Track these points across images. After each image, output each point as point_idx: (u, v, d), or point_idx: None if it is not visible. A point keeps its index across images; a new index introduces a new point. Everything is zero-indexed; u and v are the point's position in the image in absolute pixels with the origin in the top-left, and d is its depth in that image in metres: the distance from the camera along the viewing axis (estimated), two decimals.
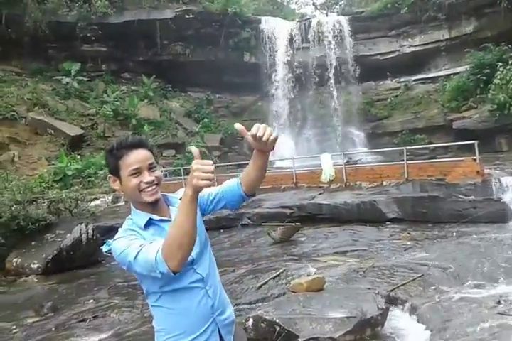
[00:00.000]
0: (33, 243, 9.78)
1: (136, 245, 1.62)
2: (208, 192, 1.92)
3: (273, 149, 1.72)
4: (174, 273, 1.55)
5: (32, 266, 9.26)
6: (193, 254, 1.72)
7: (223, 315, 1.85)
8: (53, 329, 5.84)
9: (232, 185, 1.93)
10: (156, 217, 1.75)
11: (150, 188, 1.71)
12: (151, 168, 1.73)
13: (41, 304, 6.85)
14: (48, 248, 9.54)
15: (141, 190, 1.71)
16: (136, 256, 1.60)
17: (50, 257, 9.31)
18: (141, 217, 1.75)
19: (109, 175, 1.77)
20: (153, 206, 1.76)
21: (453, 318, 4.55)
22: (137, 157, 1.70)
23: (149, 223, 1.74)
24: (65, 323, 5.99)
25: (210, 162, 1.51)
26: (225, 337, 1.83)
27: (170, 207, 1.84)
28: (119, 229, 1.75)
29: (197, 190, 1.50)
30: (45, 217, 9.95)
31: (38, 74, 26.43)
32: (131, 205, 1.81)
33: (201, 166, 1.47)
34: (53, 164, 19.88)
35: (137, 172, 1.70)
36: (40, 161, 21.20)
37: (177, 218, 1.53)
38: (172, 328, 1.78)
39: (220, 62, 28.52)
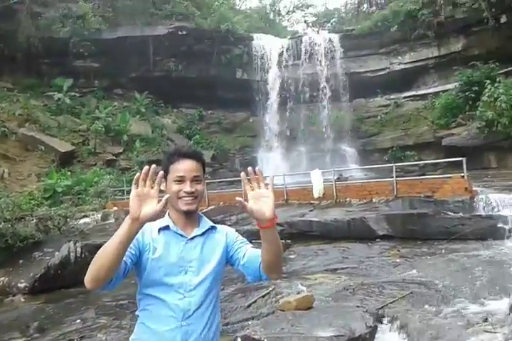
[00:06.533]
0: (20, 261, 9.61)
1: None
2: (243, 254, 1.97)
3: (271, 222, 1.81)
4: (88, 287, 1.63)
5: (19, 284, 9.08)
6: (192, 283, 1.76)
7: None
8: None
9: (254, 261, 1.92)
10: (174, 228, 1.83)
11: (187, 198, 1.80)
12: (195, 180, 1.82)
13: (27, 324, 6.70)
14: (35, 266, 9.38)
15: (180, 198, 1.80)
16: None
17: (37, 276, 9.13)
18: (162, 221, 1.85)
19: None
20: (186, 217, 1.85)
21: (441, 336, 4.55)
22: (185, 166, 1.82)
23: (165, 229, 1.83)
24: None
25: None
26: None
27: (196, 228, 1.89)
28: None
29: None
30: (33, 234, 9.79)
31: (30, 89, 26.42)
32: (167, 213, 1.90)
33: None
34: (43, 181, 19.74)
35: (181, 180, 1.80)
36: (30, 178, 21.05)
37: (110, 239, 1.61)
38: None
39: (212, 79, 28.75)
